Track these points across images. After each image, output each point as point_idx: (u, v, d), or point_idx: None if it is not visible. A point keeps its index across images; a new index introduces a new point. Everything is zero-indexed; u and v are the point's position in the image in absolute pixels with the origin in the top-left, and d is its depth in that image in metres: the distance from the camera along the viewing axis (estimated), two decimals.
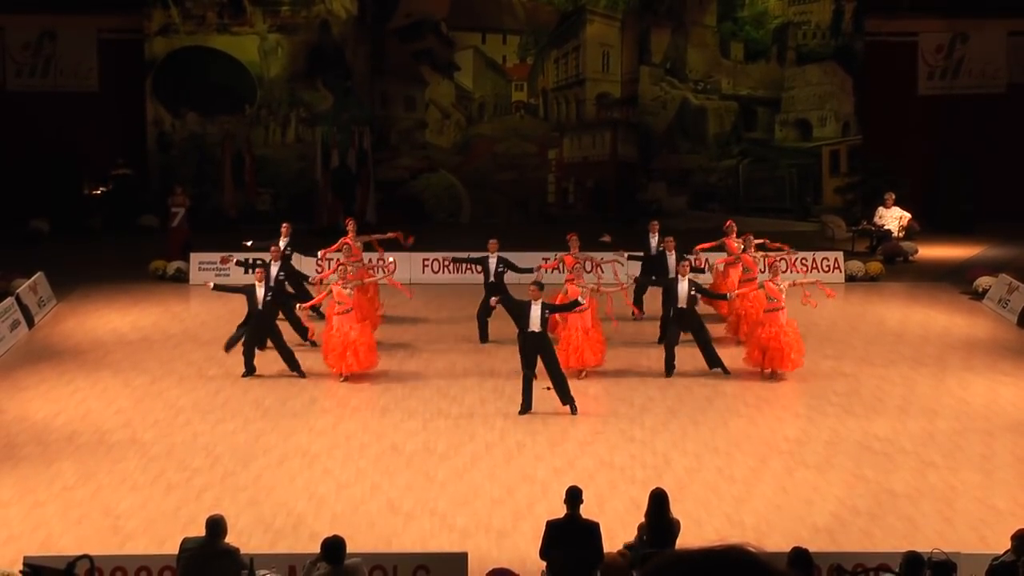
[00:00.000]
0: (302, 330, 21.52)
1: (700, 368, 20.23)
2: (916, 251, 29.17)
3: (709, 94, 33.07)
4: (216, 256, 26.44)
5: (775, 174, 33.14)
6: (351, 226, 23.29)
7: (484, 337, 22.10)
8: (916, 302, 25.58)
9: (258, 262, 21.75)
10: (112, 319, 23.96)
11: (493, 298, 20.03)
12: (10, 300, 22.77)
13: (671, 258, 22.18)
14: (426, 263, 27.00)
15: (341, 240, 22.81)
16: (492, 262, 22.07)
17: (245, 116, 32.72)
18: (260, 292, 20.00)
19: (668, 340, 20.57)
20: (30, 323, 23.05)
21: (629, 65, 33.19)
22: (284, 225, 23.47)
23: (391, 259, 26.38)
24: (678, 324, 20.48)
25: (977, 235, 30.87)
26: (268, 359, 20.33)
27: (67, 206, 31.54)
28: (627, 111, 33.38)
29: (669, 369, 20.16)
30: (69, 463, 16.35)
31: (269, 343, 20.44)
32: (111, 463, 16.37)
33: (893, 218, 29.36)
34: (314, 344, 21.01)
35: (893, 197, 29.46)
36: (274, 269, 21.26)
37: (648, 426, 17.98)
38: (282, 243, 22.46)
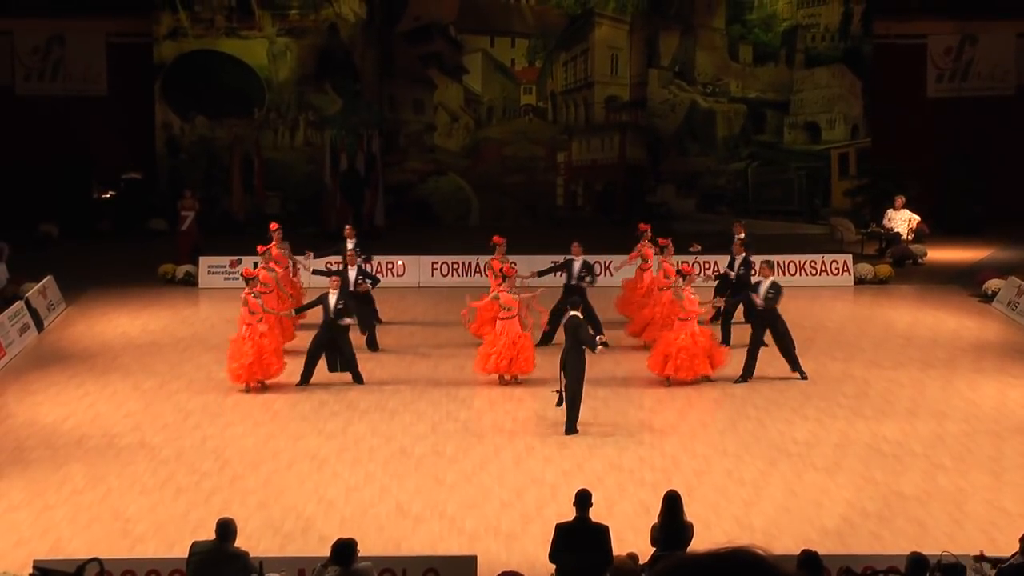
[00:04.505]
0: (373, 341, 21.71)
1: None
2: (925, 254, 29.11)
3: (718, 97, 33.05)
4: (225, 260, 26.49)
5: (784, 177, 33.11)
6: (275, 232, 22.88)
7: (548, 339, 21.29)
8: (925, 305, 25.53)
9: (335, 268, 21.52)
10: (121, 323, 23.98)
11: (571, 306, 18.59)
12: (19, 304, 22.80)
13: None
14: (435, 266, 27.01)
15: (267, 247, 22.27)
16: (576, 265, 21.83)
17: (254, 119, 32.73)
18: (332, 300, 19.84)
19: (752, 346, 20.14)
20: (39, 327, 23.07)
21: (638, 68, 33.18)
22: (347, 228, 23.50)
23: (400, 261, 26.47)
24: (770, 325, 20.08)
25: (986, 237, 30.81)
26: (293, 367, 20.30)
27: (76, 210, 31.55)
28: (636, 114, 33.36)
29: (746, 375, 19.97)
30: (78, 466, 16.38)
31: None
32: (120, 467, 16.39)
33: (902, 220, 29.31)
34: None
35: (903, 200, 29.40)
36: (352, 274, 21.34)
37: (657, 428, 17.97)
38: (349, 245, 22.41)
